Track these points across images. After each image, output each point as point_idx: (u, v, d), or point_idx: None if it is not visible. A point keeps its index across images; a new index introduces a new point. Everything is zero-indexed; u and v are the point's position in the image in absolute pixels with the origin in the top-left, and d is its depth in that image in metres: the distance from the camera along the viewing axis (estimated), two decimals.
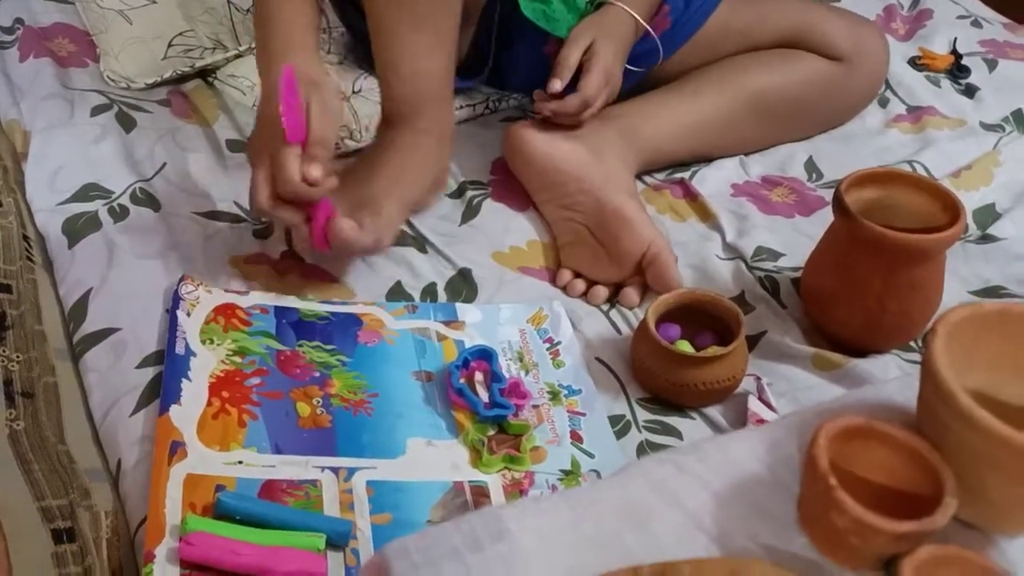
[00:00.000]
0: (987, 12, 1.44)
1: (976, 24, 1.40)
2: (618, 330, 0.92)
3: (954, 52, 1.32)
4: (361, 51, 1.10)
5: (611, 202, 0.95)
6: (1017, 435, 0.44)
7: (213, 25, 1.14)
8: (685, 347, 0.84)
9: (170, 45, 1.13)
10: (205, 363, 0.80)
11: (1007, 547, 0.51)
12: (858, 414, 0.50)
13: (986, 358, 0.50)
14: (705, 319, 0.87)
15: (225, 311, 0.85)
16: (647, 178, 1.10)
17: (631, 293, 0.94)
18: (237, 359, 0.81)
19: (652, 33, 1.05)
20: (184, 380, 0.78)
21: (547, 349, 0.88)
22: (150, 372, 0.80)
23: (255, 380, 0.80)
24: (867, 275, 0.85)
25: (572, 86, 0.98)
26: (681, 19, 1.09)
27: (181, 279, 0.86)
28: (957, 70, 1.29)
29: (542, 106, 0.99)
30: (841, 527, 0.46)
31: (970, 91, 1.26)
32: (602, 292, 0.94)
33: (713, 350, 0.83)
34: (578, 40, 0.99)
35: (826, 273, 0.89)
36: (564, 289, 0.95)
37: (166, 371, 0.79)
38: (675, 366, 0.82)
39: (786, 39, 1.12)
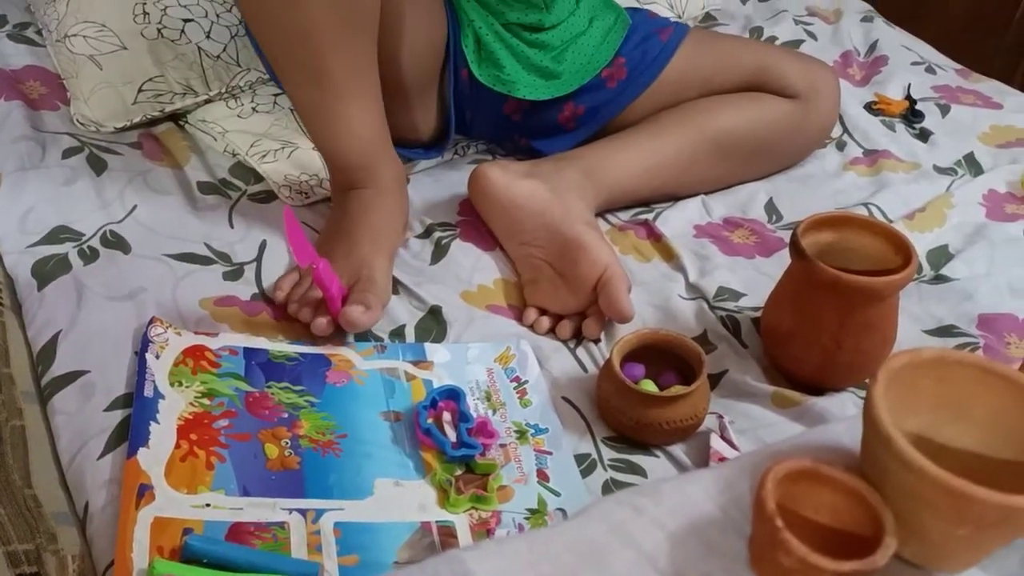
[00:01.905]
0: (940, 59, 1.49)
1: (930, 70, 1.45)
2: (584, 369, 0.93)
3: (908, 97, 1.37)
4: None
5: (569, 232, 0.97)
6: (950, 478, 0.46)
7: (183, 71, 1.15)
8: (649, 386, 0.86)
9: (140, 90, 1.14)
10: (174, 405, 0.81)
11: None
12: (806, 456, 0.52)
13: (925, 402, 0.52)
14: (668, 358, 0.89)
15: (194, 353, 0.86)
16: (611, 218, 1.12)
17: (591, 324, 0.95)
18: (206, 401, 0.82)
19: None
20: (152, 423, 0.78)
21: (514, 388, 0.90)
22: (118, 415, 0.80)
23: (223, 422, 0.81)
24: (823, 315, 0.87)
25: None
26: (638, 69, 1.13)
27: (150, 321, 0.87)
28: (911, 115, 1.33)
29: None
30: (787, 566, 0.48)
31: (924, 135, 1.30)
32: (568, 326, 0.96)
33: (676, 389, 0.85)
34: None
35: (784, 313, 0.92)
36: (531, 327, 0.97)
37: (134, 414, 0.79)
38: (639, 405, 0.84)
39: (745, 83, 1.16)
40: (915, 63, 1.46)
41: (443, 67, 1.09)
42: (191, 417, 0.80)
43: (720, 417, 0.87)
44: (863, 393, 0.92)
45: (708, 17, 1.53)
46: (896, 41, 1.50)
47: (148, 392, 0.81)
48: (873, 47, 1.48)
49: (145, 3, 1.16)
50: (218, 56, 1.16)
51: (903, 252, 0.87)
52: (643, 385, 0.86)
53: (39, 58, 1.24)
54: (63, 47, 1.16)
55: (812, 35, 1.50)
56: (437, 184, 1.14)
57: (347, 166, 0.98)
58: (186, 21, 1.16)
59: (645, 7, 1.34)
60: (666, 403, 0.84)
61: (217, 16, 1.18)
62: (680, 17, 1.46)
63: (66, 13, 1.17)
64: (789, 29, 1.50)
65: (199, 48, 1.16)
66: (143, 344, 0.85)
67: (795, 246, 0.87)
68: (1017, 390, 0.52)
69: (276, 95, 1.20)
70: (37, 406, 0.83)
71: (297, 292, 0.93)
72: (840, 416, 0.88)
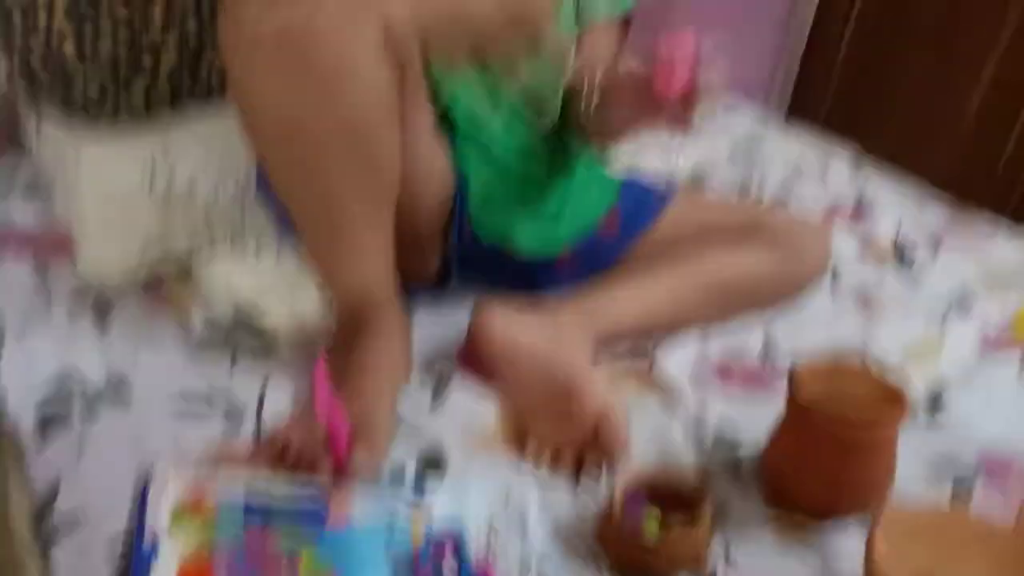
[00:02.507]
0: (930, 198, 1.53)
1: (920, 209, 1.49)
2: (585, 505, 0.93)
3: (898, 238, 1.40)
4: None
5: (568, 372, 0.99)
6: None
7: (190, 225, 1.19)
8: (651, 525, 0.86)
9: (147, 245, 1.17)
10: (173, 552, 0.79)
11: None
12: None
13: (924, 554, 0.51)
14: (670, 495, 0.89)
15: (194, 499, 0.85)
16: (608, 356, 1.13)
17: (591, 461, 0.96)
18: (205, 547, 0.81)
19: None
20: (152, 571, 0.77)
21: (516, 527, 0.88)
22: (120, 564, 0.79)
23: (223, 568, 0.79)
24: (822, 457, 0.89)
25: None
26: (632, 218, 1.18)
27: (152, 469, 0.87)
28: (903, 254, 1.37)
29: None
30: None
31: (916, 274, 1.33)
32: (568, 460, 0.97)
33: (678, 528, 0.84)
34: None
35: (784, 453, 0.93)
36: (532, 463, 0.97)
37: (134, 563, 0.78)
38: (641, 547, 0.84)
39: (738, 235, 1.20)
40: (905, 202, 1.50)
41: (449, 218, 1.14)
42: (191, 564, 0.79)
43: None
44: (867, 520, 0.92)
45: (695, 173, 1.57)
46: (885, 181, 1.55)
47: (148, 540, 0.80)
48: (862, 188, 1.53)
49: (155, 160, 1.20)
50: (225, 210, 1.20)
51: (898, 400, 0.89)
52: (646, 520, 0.85)
53: (47, 212, 1.27)
54: (71, 203, 1.20)
55: (800, 180, 1.55)
56: (437, 322, 1.16)
57: (353, 315, 1.01)
58: (194, 178, 1.20)
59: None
60: (668, 543, 0.83)
61: (224, 172, 1.22)
62: (670, 174, 1.51)
63: (77, 172, 1.21)
64: (777, 180, 1.55)
65: (207, 203, 1.19)
66: (143, 492, 0.84)
67: (792, 395, 0.89)
68: (1012, 546, 0.52)
69: (281, 248, 1.23)
70: (39, 557, 0.82)
71: (300, 439, 0.92)
72: (843, 542, 0.88)
